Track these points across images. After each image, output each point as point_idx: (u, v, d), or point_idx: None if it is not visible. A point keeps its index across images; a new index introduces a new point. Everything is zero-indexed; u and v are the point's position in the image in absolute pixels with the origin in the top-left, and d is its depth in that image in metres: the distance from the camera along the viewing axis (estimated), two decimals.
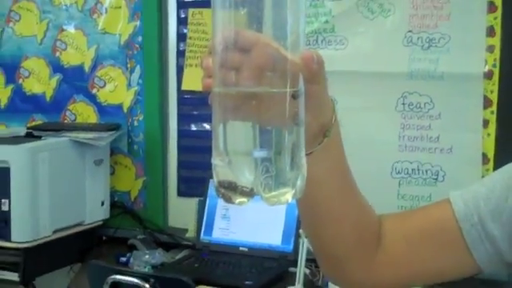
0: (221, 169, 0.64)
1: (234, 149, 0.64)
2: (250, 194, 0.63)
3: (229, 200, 0.64)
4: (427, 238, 0.88)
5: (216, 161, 0.65)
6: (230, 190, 0.64)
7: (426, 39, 1.95)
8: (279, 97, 0.63)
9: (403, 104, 2.00)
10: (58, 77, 2.53)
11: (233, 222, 2.14)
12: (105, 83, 2.47)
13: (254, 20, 0.63)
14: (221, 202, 2.14)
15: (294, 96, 0.64)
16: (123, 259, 2.16)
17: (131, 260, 2.14)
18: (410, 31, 1.97)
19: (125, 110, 2.44)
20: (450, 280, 0.91)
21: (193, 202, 2.25)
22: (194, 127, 2.37)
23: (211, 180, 2.12)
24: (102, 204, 2.32)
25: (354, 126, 2.05)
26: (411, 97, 1.99)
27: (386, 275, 0.90)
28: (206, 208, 2.19)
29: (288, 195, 0.64)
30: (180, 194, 2.40)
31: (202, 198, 2.20)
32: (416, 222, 0.90)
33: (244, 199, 0.64)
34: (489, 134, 1.88)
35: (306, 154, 0.67)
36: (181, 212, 2.37)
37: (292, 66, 0.63)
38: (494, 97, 1.87)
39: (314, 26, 2.09)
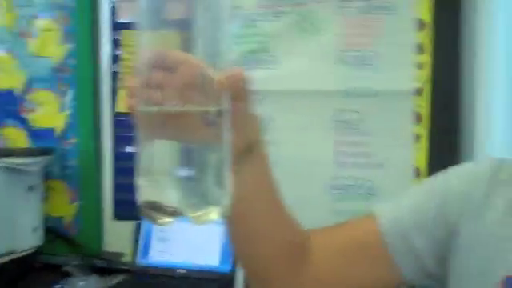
0: (145, 189, 0.64)
1: (158, 168, 0.64)
2: (175, 213, 0.63)
3: (153, 221, 0.64)
4: (353, 253, 0.89)
5: (140, 181, 0.64)
6: (155, 210, 0.64)
7: (357, 57, 1.99)
8: (203, 115, 0.64)
9: (337, 121, 2.02)
10: None
11: (170, 244, 2.12)
12: (36, 107, 2.42)
13: (179, 40, 0.64)
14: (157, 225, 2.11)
15: (219, 114, 0.64)
16: (58, 287, 2.11)
17: (66, 286, 2.08)
18: (342, 50, 2.00)
19: (57, 134, 2.39)
20: None
21: (129, 226, 2.22)
22: (129, 149, 2.34)
23: None
24: (35, 230, 2.26)
25: (290, 145, 2.07)
26: (345, 114, 2.01)
27: None
28: (143, 231, 2.16)
29: (214, 214, 0.65)
30: (116, 217, 2.36)
31: (138, 221, 2.17)
32: (341, 237, 0.91)
33: (169, 219, 0.64)
34: (420, 149, 1.92)
35: (233, 171, 0.67)
36: (117, 236, 2.33)
37: (217, 84, 0.63)
38: (425, 112, 1.91)
39: (249, 46, 2.10)
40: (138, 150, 0.64)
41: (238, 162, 0.75)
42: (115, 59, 2.34)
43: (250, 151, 0.77)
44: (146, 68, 0.64)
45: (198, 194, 0.64)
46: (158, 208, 0.63)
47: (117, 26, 2.34)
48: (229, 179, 0.66)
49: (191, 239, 2.08)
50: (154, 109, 0.63)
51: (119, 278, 2.17)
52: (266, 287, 0.91)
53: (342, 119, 2.02)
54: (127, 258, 2.23)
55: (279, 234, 0.87)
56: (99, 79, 2.36)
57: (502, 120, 1.71)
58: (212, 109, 0.64)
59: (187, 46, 0.64)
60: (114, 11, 2.33)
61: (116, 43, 2.33)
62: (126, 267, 2.20)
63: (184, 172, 0.63)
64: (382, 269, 0.89)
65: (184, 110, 0.63)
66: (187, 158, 0.64)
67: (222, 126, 0.65)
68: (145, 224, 2.15)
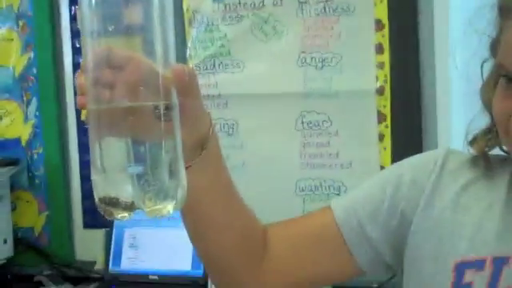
0: (100, 185, 0.66)
1: (111, 165, 0.66)
2: (131, 207, 0.65)
3: (110, 215, 0.66)
4: (311, 244, 0.92)
5: (95, 177, 0.66)
6: (111, 205, 0.65)
7: (319, 59, 2.00)
8: (152, 111, 0.65)
9: (302, 123, 2.04)
10: None
11: (141, 250, 2.13)
12: (1, 117, 2.40)
13: (124, 38, 0.65)
14: (128, 232, 2.12)
15: (168, 109, 0.66)
16: None
17: None
18: (303, 52, 2.02)
19: (23, 144, 2.38)
20: (336, 282, 0.95)
21: (100, 234, 2.22)
22: None
23: None
24: (5, 242, 2.25)
25: (256, 147, 2.08)
26: (309, 115, 2.03)
27: (274, 283, 0.93)
28: (114, 238, 2.16)
29: (169, 207, 0.66)
30: (86, 225, 2.35)
31: (108, 229, 2.17)
32: (300, 230, 0.94)
33: (125, 214, 0.65)
34: (385, 148, 1.95)
35: (186, 167, 0.69)
36: (88, 244, 2.33)
37: (164, 80, 0.65)
38: (387, 111, 1.93)
39: (210, 50, 2.11)
40: (90, 147, 0.66)
41: (191, 157, 0.76)
42: (77, 67, 2.32)
43: (202, 147, 0.78)
44: (94, 66, 0.65)
45: (151, 189, 0.65)
46: (114, 203, 0.65)
47: (78, 33, 2.32)
48: (182, 173, 0.67)
49: (163, 245, 2.09)
50: (107, 106, 0.64)
51: (91, 287, 2.17)
52: (227, 280, 0.93)
53: (307, 121, 2.04)
54: (99, 266, 2.23)
55: (235, 227, 0.88)
56: (62, 87, 2.35)
57: (463, 116, 1.75)
58: (161, 104, 0.65)
59: (134, 45, 0.66)
60: (74, 19, 2.32)
61: (78, 51, 2.32)
62: (97, 275, 2.20)
63: (137, 167, 0.65)
64: (338, 259, 0.91)
65: (134, 107, 0.64)
66: (139, 153, 0.65)
67: (172, 121, 0.66)
68: (115, 231, 2.16)
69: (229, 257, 0.89)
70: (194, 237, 0.88)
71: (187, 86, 0.69)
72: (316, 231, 0.93)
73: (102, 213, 0.66)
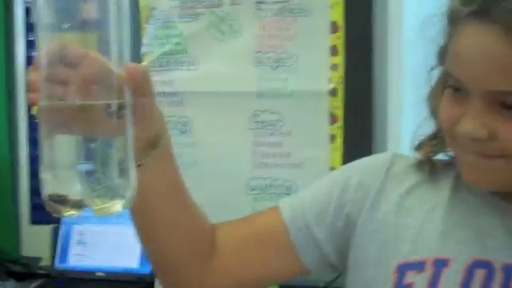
0: (49, 182, 0.65)
1: (60, 162, 0.65)
2: (79, 205, 0.65)
3: (58, 213, 0.65)
4: (258, 244, 0.93)
5: (44, 175, 0.65)
6: (60, 203, 0.65)
7: (274, 59, 2.01)
8: (105, 109, 0.64)
9: (255, 122, 2.05)
10: None
11: (89, 247, 2.10)
12: None
13: (79, 35, 0.65)
14: (76, 228, 2.10)
15: (120, 108, 0.65)
16: None
17: None
18: (258, 51, 2.02)
19: None
20: (282, 281, 0.96)
21: (47, 230, 2.19)
22: None
23: None
24: None
25: (209, 146, 2.08)
26: (263, 115, 2.04)
27: (221, 282, 0.94)
28: (61, 235, 2.13)
29: (118, 205, 0.66)
30: (33, 221, 2.32)
31: (56, 225, 2.14)
32: (248, 229, 0.95)
33: (73, 211, 0.65)
34: (336, 149, 1.96)
35: (137, 165, 0.68)
36: (34, 240, 2.29)
37: (117, 78, 0.65)
38: (340, 113, 1.95)
39: (166, 47, 2.10)
40: (40, 143, 0.65)
41: (143, 156, 0.76)
42: (30, 61, 2.29)
43: (153, 145, 0.78)
44: (46, 62, 0.64)
45: (101, 187, 0.65)
46: (62, 201, 0.64)
47: (31, 28, 2.28)
48: (132, 172, 0.67)
49: (110, 242, 2.07)
50: (59, 103, 0.64)
51: (37, 283, 2.13)
52: (174, 280, 0.93)
53: (260, 120, 2.04)
54: (45, 263, 2.20)
55: (184, 226, 0.88)
56: (14, 81, 2.31)
57: (413, 120, 1.77)
58: (113, 103, 0.65)
59: (88, 42, 0.65)
60: (28, 12, 2.28)
61: (31, 45, 2.29)
62: (43, 271, 2.17)
63: (86, 165, 0.64)
64: (285, 259, 0.93)
65: (85, 104, 0.64)
66: (89, 151, 0.65)
67: (124, 119, 0.66)
68: (63, 228, 2.13)
69: (176, 256, 0.89)
70: (142, 235, 0.88)
71: (140, 85, 0.68)
72: (264, 231, 0.94)
73: (50, 210, 0.65)
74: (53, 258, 2.13)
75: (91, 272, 2.07)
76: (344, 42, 1.93)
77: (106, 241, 2.08)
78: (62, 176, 0.65)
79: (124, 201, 0.66)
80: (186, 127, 2.09)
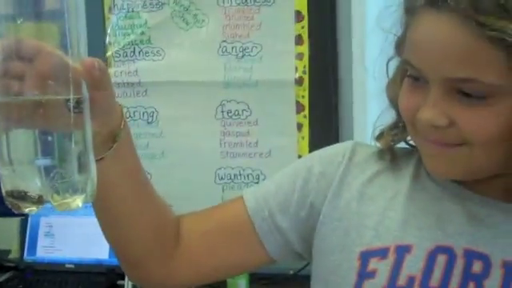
0: (8, 178, 0.65)
1: (18, 158, 0.65)
2: (39, 201, 0.65)
3: (18, 209, 0.65)
4: (222, 234, 0.94)
5: (2, 170, 0.65)
6: (19, 198, 0.64)
7: (239, 48, 2.01)
8: (62, 104, 0.64)
9: (222, 112, 2.05)
10: None
11: (57, 239, 2.10)
12: None
13: (35, 29, 0.64)
14: (44, 220, 2.09)
15: (78, 102, 0.65)
16: None
17: None
18: (224, 41, 2.02)
19: None
20: (248, 271, 0.97)
21: (14, 222, 2.17)
22: None
23: None
24: None
25: (176, 136, 2.08)
26: (229, 105, 2.04)
27: (187, 273, 0.94)
28: (29, 227, 2.12)
29: (78, 200, 0.66)
30: (0, 214, 2.30)
31: (23, 217, 2.13)
32: (212, 220, 0.96)
33: (33, 207, 0.65)
34: (303, 137, 1.98)
35: (98, 160, 0.69)
36: (2, 233, 2.27)
37: (74, 73, 0.65)
38: (306, 102, 1.96)
39: (130, 37, 2.09)
40: None
41: (103, 150, 0.77)
42: None
43: (113, 139, 0.78)
44: (1, 58, 0.63)
45: (60, 182, 0.64)
46: (22, 196, 0.64)
47: None
48: (92, 166, 0.67)
49: (79, 234, 2.06)
50: (15, 99, 0.63)
51: (6, 276, 2.12)
52: (138, 272, 0.93)
53: (227, 109, 2.05)
54: (14, 255, 2.18)
55: (146, 218, 0.88)
56: None
57: (378, 109, 1.78)
58: (70, 97, 0.64)
59: (45, 33, 0.65)
60: None
61: None
62: (12, 264, 2.16)
63: (45, 160, 0.64)
64: (249, 249, 0.93)
65: (43, 99, 0.63)
66: (47, 146, 0.65)
67: (83, 114, 0.66)
68: (30, 220, 2.12)
69: (140, 248, 0.90)
70: (106, 228, 0.89)
71: (98, 80, 0.68)
72: (228, 221, 0.95)
73: (10, 206, 0.65)
74: (21, 250, 2.12)
75: (60, 264, 2.07)
76: (308, 30, 1.94)
77: (75, 232, 2.07)
78: (20, 172, 0.64)
79: (84, 195, 0.66)
80: (153, 117, 2.09)
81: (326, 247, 0.89)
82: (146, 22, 2.08)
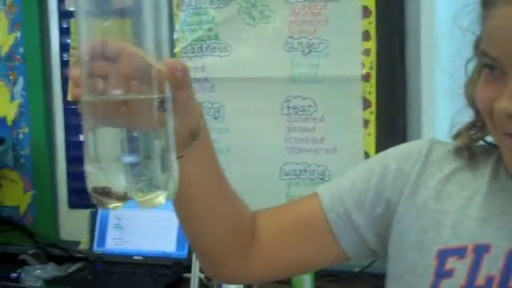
0: (94, 175, 0.67)
1: (105, 155, 0.67)
2: (123, 198, 0.66)
3: (103, 205, 0.67)
4: (298, 231, 0.95)
5: (88, 168, 0.67)
6: (104, 195, 0.66)
7: (305, 44, 2.01)
8: (146, 103, 0.66)
9: (288, 108, 2.05)
10: None
11: (126, 231, 2.14)
12: None
13: (120, 29, 0.66)
14: (113, 213, 2.14)
15: (161, 102, 0.67)
16: (14, 275, 2.11)
17: (22, 275, 2.09)
18: (290, 37, 2.02)
19: (9, 124, 2.38)
20: (321, 268, 0.98)
21: (84, 214, 2.23)
22: (81, 138, 2.33)
23: None
24: None
25: (241, 131, 2.10)
26: (295, 100, 2.04)
27: (262, 269, 0.96)
28: (98, 219, 2.17)
29: (161, 197, 0.68)
30: (71, 206, 2.36)
31: (93, 209, 2.18)
32: (287, 216, 0.96)
33: (118, 204, 0.67)
34: (369, 134, 1.96)
35: (178, 157, 0.70)
36: (73, 224, 2.34)
37: (157, 73, 0.66)
38: (373, 98, 1.94)
39: (198, 33, 2.11)
40: (84, 137, 0.67)
41: (183, 148, 0.78)
42: (65, 48, 2.32)
43: (193, 137, 0.80)
44: (87, 58, 0.65)
45: (144, 179, 0.66)
46: (107, 193, 0.66)
47: (65, 14, 2.32)
48: (174, 164, 0.68)
49: (147, 226, 2.10)
50: (101, 98, 0.65)
51: (76, 266, 2.18)
52: (215, 267, 0.95)
53: (292, 105, 2.05)
54: (84, 247, 2.24)
55: (225, 215, 0.90)
56: (49, 68, 2.34)
57: (447, 105, 1.76)
58: (154, 97, 0.66)
59: (126, 35, 0.66)
60: (61, 0, 2.31)
61: (65, 31, 2.32)
62: (82, 255, 2.21)
63: (130, 158, 0.66)
64: (325, 246, 0.94)
65: (127, 99, 0.65)
66: (132, 144, 0.67)
67: (166, 113, 0.67)
68: (100, 212, 2.17)
69: (218, 243, 0.92)
70: (185, 224, 0.90)
71: (180, 81, 0.70)
72: (303, 218, 0.95)
73: (95, 202, 0.67)
74: (91, 241, 2.17)
75: (128, 256, 2.11)
76: (376, 26, 1.92)
77: (143, 225, 2.11)
78: (106, 169, 0.66)
79: (167, 192, 0.68)
80: (219, 113, 2.11)
81: (402, 245, 0.89)
82: (213, 19, 2.10)
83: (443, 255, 0.84)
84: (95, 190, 0.66)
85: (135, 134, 0.67)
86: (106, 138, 0.67)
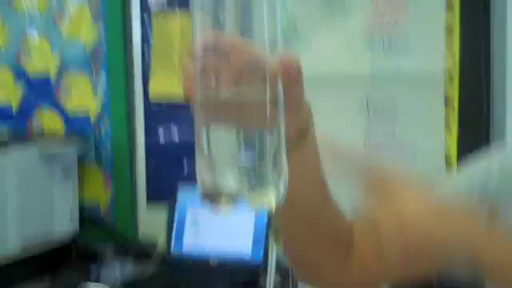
0: (205, 175, 0.65)
1: (218, 154, 0.65)
2: (234, 199, 0.64)
3: (214, 206, 0.65)
4: None
5: (200, 167, 0.65)
6: (216, 196, 0.65)
7: (387, 40, 1.95)
8: (259, 100, 0.64)
9: (367, 105, 2.00)
10: (22, 85, 2.48)
11: (203, 232, 2.12)
12: (70, 91, 2.43)
13: (234, 24, 0.64)
14: (190, 214, 2.13)
15: (274, 99, 0.64)
16: (94, 274, 2.14)
17: (102, 273, 2.12)
18: (371, 33, 1.97)
19: (92, 119, 2.40)
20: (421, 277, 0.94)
21: (163, 214, 2.22)
22: (162, 136, 2.34)
23: (180, 190, 2.12)
24: (71, 217, 2.28)
25: (320, 130, 2.04)
26: (375, 98, 1.98)
27: (358, 276, 0.93)
28: (176, 219, 2.16)
29: (272, 200, 0.65)
30: (149, 204, 2.37)
31: (171, 209, 2.17)
32: None
33: (229, 205, 0.65)
34: (451, 134, 1.89)
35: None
36: (151, 223, 2.35)
37: (270, 70, 0.63)
38: (455, 97, 1.87)
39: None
40: (196, 135, 0.65)
41: (291, 149, 0.74)
42: (147, 42, 2.32)
43: (301, 138, 0.78)
44: (201, 53, 0.64)
45: (256, 179, 0.64)
46: (218, 194, 0.64)
47: (147, 9, 2.31)
48: (285, 164, 0.66)
49: (224, 228, 2.08)
50: (214, 95, 0.64)
51: (153, 267, 2.18)
52: (315, 274, 0.94)
53: (373, 103, 1.99)
54: (161, 246, 2.24)
55: (325, 221, 0.88)
56: (131, 63, 2.35)
57: None
58: (268, 94, 0.64)
59: (240, 30, 0.65)
60: None
61: (146, 26, 2.31)
62: (160, 255, 2.21)
63: (244, 158, 0.64)
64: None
65: (240, 97, 0.64)
66: (246, 143, 0.65)
67: (277, 112, 0.65)
68: (178, 212, 2.16)
69: (317, 250, 0.90)
70: (284, 228, 0.89)
71: (292, 78, 0.68)
72: None
73: (205, 203, 0.65)
74: (168, 241, 2.16)
75: (205, 258, 2.08)
76: (460, 22, 1.84)
77: (220, 227, 2.08)
78: (218, 168, 0.64)
79: (277, 194, 0.65)
80: None
81: None
82: (292, 13, 2.05)
83: None
84: (206, 190, 0.65)
85: (248, 133, 0.65)
86: (218, 136, 0.65)
